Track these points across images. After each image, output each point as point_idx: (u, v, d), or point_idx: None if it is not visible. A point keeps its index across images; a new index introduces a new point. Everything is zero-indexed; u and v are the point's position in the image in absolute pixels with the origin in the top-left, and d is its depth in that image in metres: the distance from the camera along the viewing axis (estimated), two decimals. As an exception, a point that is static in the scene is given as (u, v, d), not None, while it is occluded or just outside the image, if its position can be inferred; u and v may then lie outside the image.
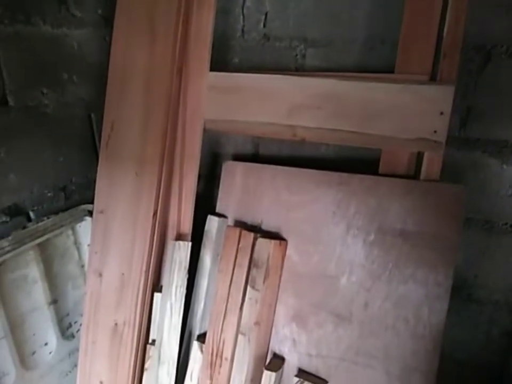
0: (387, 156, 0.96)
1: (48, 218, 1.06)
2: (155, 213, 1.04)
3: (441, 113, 0.89)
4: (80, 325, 1.15)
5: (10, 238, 0.96)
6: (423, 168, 0.92)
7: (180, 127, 1.09)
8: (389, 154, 0.96)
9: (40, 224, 1.03)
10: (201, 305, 1.16)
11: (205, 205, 1.19)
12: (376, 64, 1.04)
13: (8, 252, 0.95)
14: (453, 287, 0.90)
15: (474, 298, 1.14)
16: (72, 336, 1.18)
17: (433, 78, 0.92)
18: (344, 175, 1.00)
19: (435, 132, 0.89)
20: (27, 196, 1.05)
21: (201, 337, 1.13)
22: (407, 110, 0.91)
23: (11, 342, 1.00)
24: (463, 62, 0.93)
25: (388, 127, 0.92)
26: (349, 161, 1.12)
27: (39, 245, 1.04)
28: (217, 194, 1.20)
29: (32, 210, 1.06)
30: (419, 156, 0.95)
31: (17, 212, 1.03)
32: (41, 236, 1.02)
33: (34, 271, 1.04)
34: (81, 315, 1.13)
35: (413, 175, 0.95)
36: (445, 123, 0.88)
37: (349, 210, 1.00)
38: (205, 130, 1.09)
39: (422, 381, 0.90)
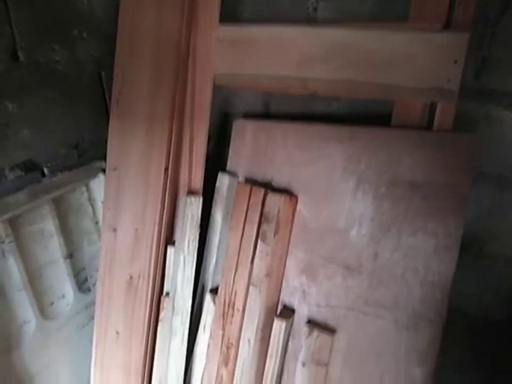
0: (399, 108, 0.95)
1: (62, 174, 1.08)
2: (166, 169, 1.05)
3: (455, 61, 0.87)
4: (96, 279, 1.19)
5: (25, 191, 0.99)
6: (436, 119, 0.91)
7: (189, 83, 1.08)
8: (402, 106, 0.95)
9: (54, 179, 1.05)
10: (213, 260, 1.19)
11: (216, 166, 1.20)
12: (389, 15, 1.01)
13: (24, 204, 0.97)
14: (464, 242, 0.91)
15: (485, 253, 1.15)
16: (89, 290, 1.22)
17: (447, 27, 0.90)
18: (356, 128, 1.00)
19: (448, 80, 0.88)
20: (41, 152, 1.06)
21: (214, 291, 1.16)
22: (420, 59, 0.89)
23: (30, 293, 1.04)
24: (479, 11, 0.90)
25: (400, 77, 0.91)
26: (361, 117, 1.11)
27: (54, 200, 1.07)
28: (228, 155, 1.21)
29: (46, 167, 1.08)
30: (432, 107, 0.94)
31: (32, 167, 1.04)
32: (56, 190, 1.04)
33: (50, 225, 1.07)
34: (97, 270, 1.17)
35: (426, 126, 0.94)
36: (458, 71, 0.87)
37: (359, 165, 1.00)
38: (214, 86, 1.09)
39: (430, 329, 0.91)
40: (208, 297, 1.16)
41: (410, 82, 0.91)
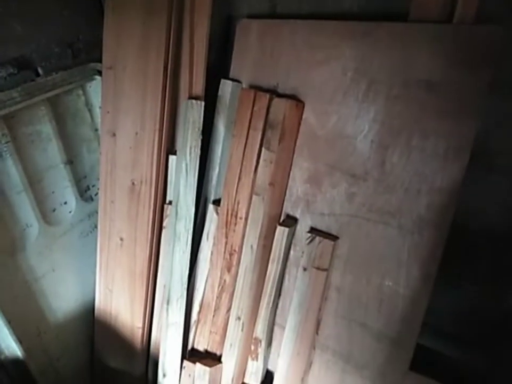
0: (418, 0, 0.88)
1: (56, 74, 1.02)
2: (165, 67, 0.99)
3: None
4: (98, 188, 1.17)
5: (19, 89, 0.94)
6: (457, 11, 0.84)
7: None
8: (421, -3, 0.87)
9: (49, 78, 1.00)
10: (216, 171, 1.17)
11: (218, 76, 1.14)
12: None
13: (19, 102, 0.93)
14: (472, 155, 0.87)
15: (494, 167, 1.12)
16: (91, 199, 1.21)
17: None
18: (370, 24, 0.93)
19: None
20: (34, 49, 1.00)
21: (216, 202, 1.15)
22: None
23: (31, 196, 1.03)
24: None
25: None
26: (375, 17, 1.03)
27: (49, 101, 1.02)
28: (231, 65, 1.14)
29: (40, 66, 1.02)
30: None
31: (24, 65, 0.99)
32: (51, 90, 0.99)
33: (47, 128, 1.04)
34: (98, 179, 1.15)
35: (446, 20, 0.86)
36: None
37: (372, 65, 0.94)
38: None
39: (435, 234, 0.91)
40: (211, 207, 1.15)
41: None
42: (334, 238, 1.03)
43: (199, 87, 1.06)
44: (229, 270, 1.11)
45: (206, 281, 1.16)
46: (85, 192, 1.19)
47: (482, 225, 1.21)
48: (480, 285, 1.26)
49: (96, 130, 1.17)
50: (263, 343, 1.10)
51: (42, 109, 1.02)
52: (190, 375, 1.13)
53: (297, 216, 1.09)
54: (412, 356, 0.97)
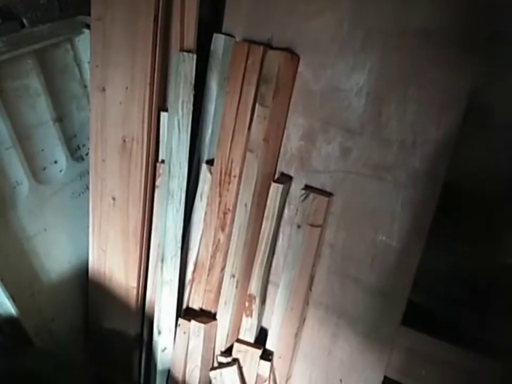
0: None
1: (43, 25, 0.98)
2: (156, 18, 0.96)
3: None
4: (89, 148, 1.15)
5: (4, 39, 0.91)
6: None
7: None
8: None
9: (35, 30, 0.97)
10: (209, 131, 1.15)
11: (211, 32, 1.10)
12: None
13: (4, 53, 0.90)
14: (465, 112, 0.86)
15: (486, 124, 1.11)
16: (82, 158, 1.19)
17: None
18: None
19: None
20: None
21: (210, 162, 1.14)
22: None
23: (20, 153, 1.01)
24: None
25: None
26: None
27: (36, 55, 0.99)
28: (223, 20, 1.10)
29: (26, 18, 0.99)
30: None
31: (9, 15, 0.95)
32: (37, 42, 0.96)
33: (35, 82, 1.01)
34: (88, 138, 1.13)
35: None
36: None
37: (369, 14, 0.91)
38: None
39: (429, 186, 0.91)
40: (204, 167, 1.14)
41: None
42: (328, 194, 1.02)
43: (190, 40, 1.03)
44: (223, 229, 1.11)
45: (200, 241, 1.15)
46: (75, 151, 1.17)
47: (474, 185, 1.21)
48: (471, 245, 1.27)
49: (86, 87, 1.14)
50: (257, 300, 1.11)
51: (29, 62, 0.98)
52: (185, 333, 1.14)
53: (292, 174, 1.08)
54: (404, 309, 0.99)
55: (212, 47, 1.09)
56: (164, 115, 1.08)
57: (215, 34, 1.09)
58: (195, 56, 1.00)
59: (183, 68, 1.00)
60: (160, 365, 1.18)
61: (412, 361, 1.14)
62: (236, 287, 1.10)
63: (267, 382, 1.11)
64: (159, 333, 1.16)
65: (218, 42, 1.08)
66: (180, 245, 1.11)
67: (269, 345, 1.13)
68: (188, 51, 1.03)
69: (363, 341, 1.03)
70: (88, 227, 1.19)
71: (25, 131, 1.02)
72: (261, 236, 1.08)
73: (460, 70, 0.84)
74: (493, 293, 1.27)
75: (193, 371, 1.14)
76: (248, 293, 1.12)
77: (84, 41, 1.09)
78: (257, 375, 1.12)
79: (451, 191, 1.14)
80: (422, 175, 0.91)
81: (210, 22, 1.19)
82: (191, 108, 1.03)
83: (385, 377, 1.05)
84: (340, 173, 1.01)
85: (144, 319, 1.23)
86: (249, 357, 1.12)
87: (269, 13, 1.03)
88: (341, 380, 1.08)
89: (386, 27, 0.89)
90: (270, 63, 0.99)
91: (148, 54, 0.98)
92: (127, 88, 1.02)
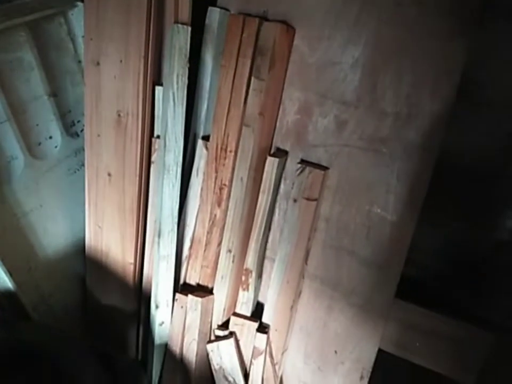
0: None
1: (35, -3, 0.97)
2: (149, -10, 0.95)
3: None
4: (84, 125, 1.15)
5: (-4, 9, 0.90)
6: None
7: None
8: None
9: (27, 0, 0.96)
10: (204, 106, 1.15)
11: (205, 7, 1.09)
12: None
13: (-4, 24, 0.89)
14: (462, 88, 0.87)
15: (479, 100, 1.11)
16: (77, 135, 1.18)
17: None
18: None
19: None
20: (8, -30, 0.95)
21: (206, 138, 1.14)
22: None
23: (15, 127, 1.00)
24: None
25: None
26: None
27: (29, 27, 0.98)
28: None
29: (17, -11, 0.98)
30: None
31: (0, -14, 0.94)
32: (30, 13, 0.95)
33: (29, 56, 1.00)
34: (83, 114, 1.12)
35: None
36: None
37: (364, -16, 0.91)
38: None
39: (424, 157, 0.91)
40: (200, 143, 1.14)
41: None
42: (324, 168, 1.03)
43: (185, 12, 1.02)
44: (219, 205, 1.11)
45: (197, 217, 1.16)
46: (70, 127, 1.16)
47: (470, 162, 1.22)
48: (466, 222, 1.28)
49: (80, 62, 1.13)
50: (254, 274, 1.12)
51: (22, 35, 0.97)
52: (182, 307, 1.15)
53: (288, 149, 1.08)
54: (398, 282, 1.00)
55: (207, 21, 1.08)
56: (159, 89, 1.07)
57: (210, 8, 1.08)
58: (190, 28, 0.99)
59: (178, 40, 0.99)
60: (157, 339, 1.19)
61: (406, 333, 1.16)
62: (233, 261, 1.11)
63: (263, 354, 1.13)
64: (157, 307, 1.17)
65: (213, 16, 1.07)
66: (176, 219, 1.11)
67: (265, 319, 1.15)
68: (183, 24, 1.02)
69: (358, 313, 1.04)
70: (84, 204, 1.19)
71: (20, 105, 1.02)
72: (257, 210, 1.09)
73: (454, 40, 0.84)
74: (488, 269, 1.28)
75: (191, 344, 1.15)
76: (244, 267, 1.13)
77: (77, 15, 1.08)
78: (254, 348, 1.13)
79: (447, 168, 1.16)
80: (417, 147, 0.92)
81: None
82: (186, 81, 1.02)
83: (379, 350, 1.07)
84: (335, 147, 1.01)
85: (142, 294, 1.24)
86: (245, 330, 1.13)
87: (264, -15, 1.03)
88: (335, 351, 1.10)
89: (381, -2, 0.89)
90: (266, 35, 0.98)
91: (142, 26, 0.97)
92: (121, 61, 1.01)
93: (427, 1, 0.85)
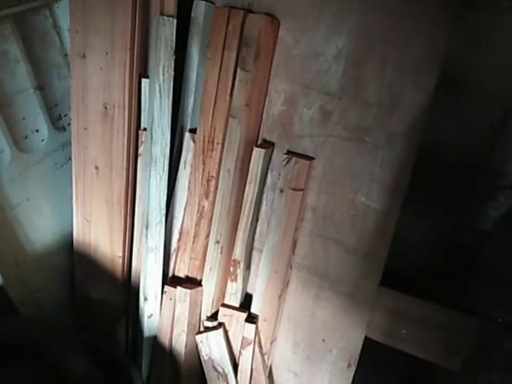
0: None
1: (20, -11, 0.97)
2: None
3: None
4: (70, 119, 1.15)
5: (-20, 1, 0.90)
6: None
7: None
8: None
9: (11, -7, 0.95)
10: (191, 99, 1.15)
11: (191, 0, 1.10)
12: None
13: (-19, 15, 0.89)
14: (440, 81, 0.89)
15: (462, 92, 1.14)
16: (64, 128, 1.18)
17: None
18: None
19: None
20: (-8, -38, 0.95)
21: (193, 131, 1.14)
22: None
23: (1, 120, 1.00)
24: None
25: None
26: None
27: (15, 20, 0.98)
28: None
29: (2, -19, 0.97)
30: None
31: (-16, -22, 0.94)
32: (15, 5, 0.95)
33: (14, 48, 1.00)
34: (70, 108, 1.12)
35: None
36: None
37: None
38: None
39: (406, 146, 0.93)
40: (187, 135, 1.14)
41: None
42: (309, 158, 1.04)
43: (171, 5, 1.03)
44: (206, 197, 1.12)
45: (185, 209, 1.16)
46: (57, 121, 1.16)
47: (452, 154, 1.24)
48: (450, 213, 1.30)
49: (66, 55, 1.13)
50: (242, 265, 1.12)
51: (8, 27, 0.97)
52: (171, 299, 1.15)
53: (274, 140, 1.10)
54: (383, 269, 1.02)
55: (193, 14, 1.09)
56: (145, 81, 1.08)
57: (195, 1, 1.08)
58: (175, 20, 1.00)
59: (163, 32, 1.00)
60: (146, 331, 1.20)
61: (392, 321, 1.17)
62: (221, 252, 1.12)
63: (252, 345, 1.13)
64: (145, 299, 1.17)
65: (199, 9, 1.08)
66: (164, 211, 1.12)
67: (253, 309, 1.16)
68: (168, 16, 1.03)
69: (345, 301, 1.06)
70: (71, 198, 1.19)
71: (6, 98, 1.02)
72: (244, 201, 1.10)
73: (435, 29, 0.86)
74: (470, 259, 1.30)
75: (180, 336, 1.16)
76: (232, 258, 1.14)
77: (63, 8, 1.08)
78: (243, 338, 1.14)
79: (430, 160, 1.18)
80: (399, 136, 0.94)
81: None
82: (172, 73, 1.03)
83: (366, 338, 1.09)
84: (320, 137, 1.03)
85: (131, 287, 1.25)
86: (234, 320, 1.14)
87: (248, -23, 1.04)
88: (323, 340, 1.11)
89: (363, -8, 0.91)
90: (251, 27, 0.99)
91: (127, 18, 0.98)
92: (107, 53, 1.02)
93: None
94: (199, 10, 1.08)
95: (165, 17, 0.99)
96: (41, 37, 1.07)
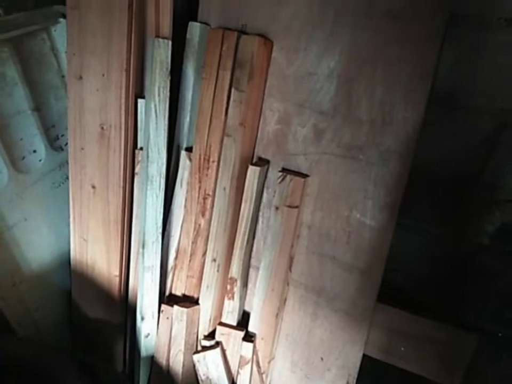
0: None
1: (18, 14, 0.99)
2: (130, 5, 0.97)
3: None
4: (67, 138, 1.16)
5: (-21, 26, 0.91)
6: None
7: None
8: None
9: (9, 18, 0.98)
10: (187, 119, 1.17)
11: (186, 22, 1.12)
12: None
13: (-21, 40, 0.90)
14: (432, 97, 0.90)
15: (454, 108, 1.15)
16: (61, 148, 1.19)
17: None
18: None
19: None
20: (-9, -12, 0.97)
21: (189, 149, 1.16)
22: None
23: (-1, 142, 1.01)
24: None
25: None
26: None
27: (13, 43, 1.00)
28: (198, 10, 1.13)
29: (1, 6, 0.99)
30: None
31: (-17, 4, 0.96)
32: (13, 30, 0.97)
33: (12, 71, 1.01)
34: (67, 128, 1.13)
35: None
36: None
37: (338, -3, 0.95)
38: None
39: (400, 163, 0.94)
40: (183, 154, 1.15)
41: None
42: (304, 176, 1.05)
43: (166, 27, 1.05)
44: (203, 214, 1.12)
45: (181, 227, 1.17)
46: (54, 141, 1.17)
47: (445, 168, 1.24)
48: (444, 227, 1.30)
49: (63, 77, 1.15)
50: (239, 282, 1.12)
51: (6, 51, 0.99)
52: (168, 318, 1.15)
53: (269, 158, 1.11)
54: (380, 286, 1.02)
55: (188, 35, 1.11)
56: (141, 102, 1.09)
57: (190, 23, 1.11)
58: (170, 42, 1.02)
59: (159, 54, 1.01)
60: (144, 351, 1.19)
61: (390, 338, 1.16)
62: (218, 270, 1.12)
63: (250, 363, 1.13)
64: (142, 319, 1.17)
65: (194, 30, 1.10)
66: (160, 230, 1.12)
67: (251, 328, 1.15)
68: (164, 38, 1.05)
69: (342, 318, 1.05)
70: (69, 217, 1.20)
71: (4, 119, 1.03)
72: (240, 218, 1.10)
73: (425, 48, 0.87)
74: (467, 273, 1.30)
75: (177, 355, 1.15)
76: (229, 276, 1.14)
77: (60, 31, 1.10)
78: (240, 357, 1.13)
79: (424, 175, 1.18)
80: (392, 153, 0.95)
81: (185, 14, 1.21)
82: (168, 93, 1.05)
83: (364, 356, 1.08)
84: (315, 155, 1.04)
85: (128, 307, 1.24)
86: (232, 339, 1.13)
87: (242, 0, 1.06)
88: (322, 358, 1.10)
89: (353, 8, 0.92)
90: (244, 48, 1.01)
91: (123, 40, 0.99)
92: (103, 75, 1.03)
93: (398, 11, 0.88)
94: (194, 32, 1.10)
95: (160, 39, 1.01)
96: (38, 60, 1.09)
